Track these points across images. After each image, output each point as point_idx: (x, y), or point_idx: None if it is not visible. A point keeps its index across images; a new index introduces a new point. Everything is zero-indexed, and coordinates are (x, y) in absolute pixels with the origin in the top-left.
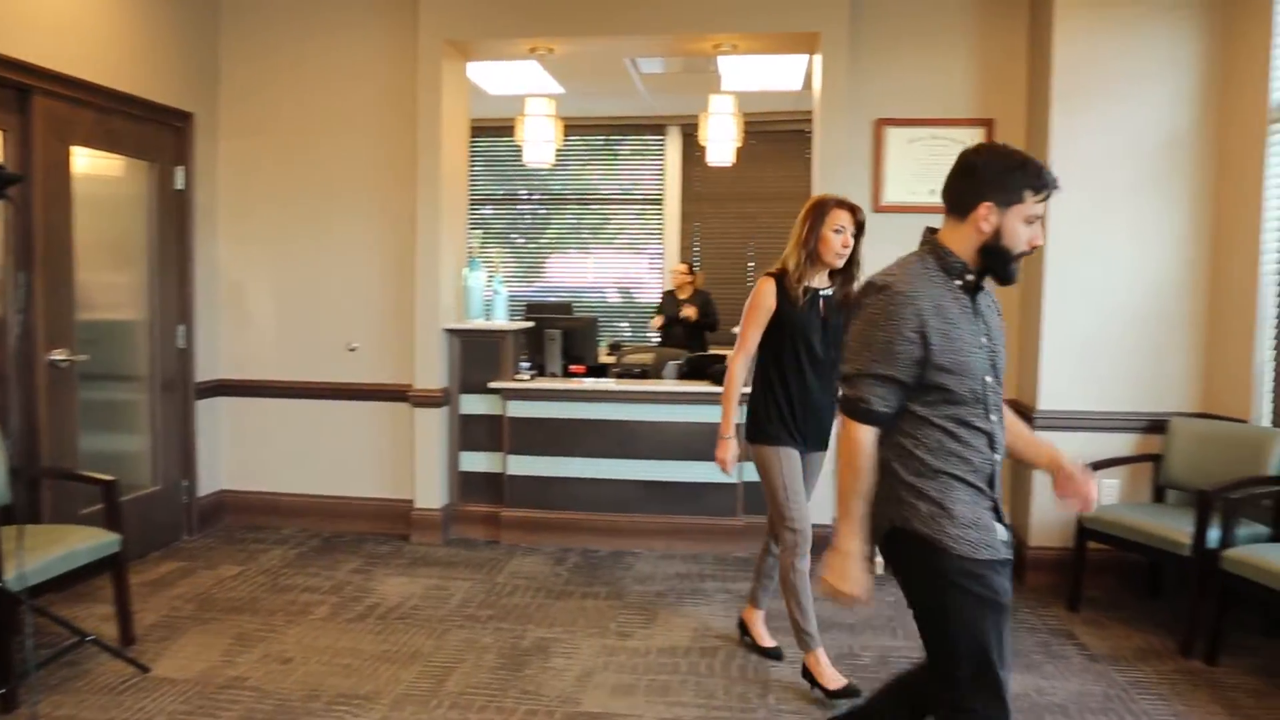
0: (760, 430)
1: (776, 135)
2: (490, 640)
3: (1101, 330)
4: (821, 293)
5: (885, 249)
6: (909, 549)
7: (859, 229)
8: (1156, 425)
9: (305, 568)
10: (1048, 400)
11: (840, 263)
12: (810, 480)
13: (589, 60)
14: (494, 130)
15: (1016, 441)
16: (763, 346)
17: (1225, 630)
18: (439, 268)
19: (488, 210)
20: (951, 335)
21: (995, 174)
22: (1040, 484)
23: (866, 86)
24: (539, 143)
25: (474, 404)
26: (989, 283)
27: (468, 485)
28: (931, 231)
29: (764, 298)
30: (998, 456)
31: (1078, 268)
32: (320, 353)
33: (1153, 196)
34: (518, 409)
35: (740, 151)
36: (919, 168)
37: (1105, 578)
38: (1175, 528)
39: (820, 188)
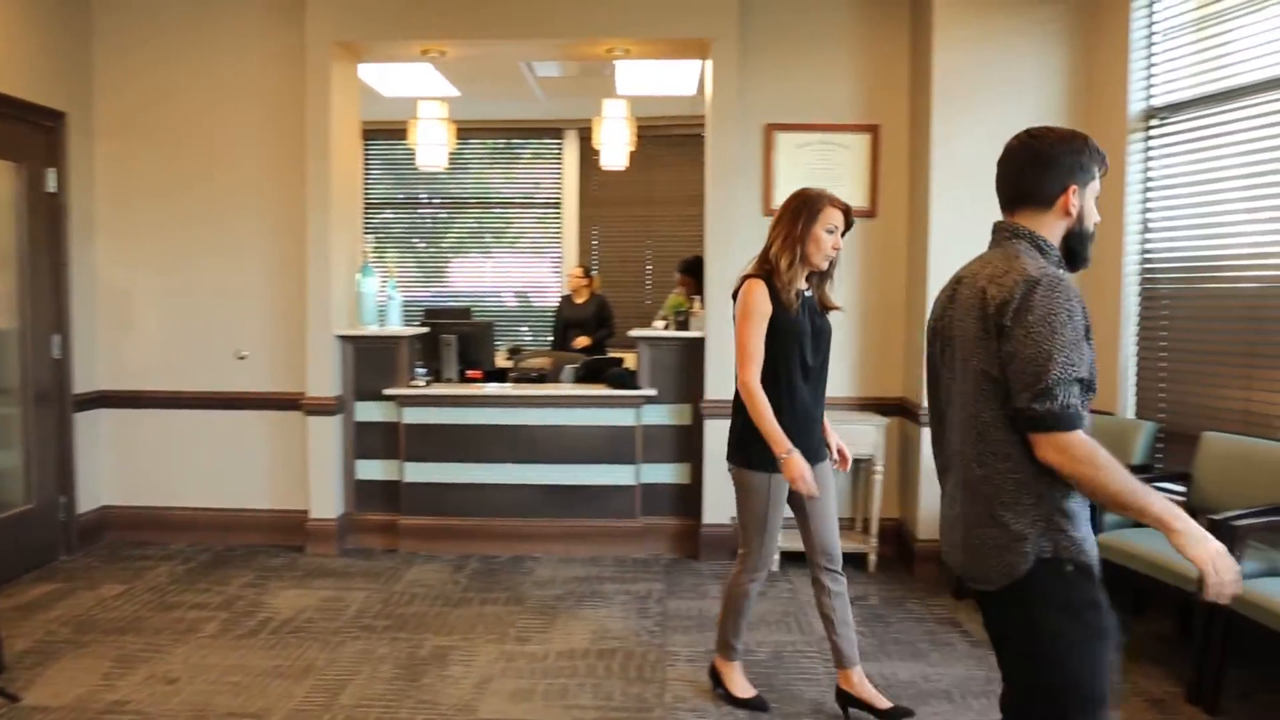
0: (748, 453)
1: (673, 139)
2: (386, 650)
3: None
4: (805, 295)
5: None
6: (1058, 582)
7: (847, 230)
8: None
9: (194, 584)
10: None
11: (825, 265)
12: (828, 495)
13: (483, 63)
14: (391, 133)
15: None
16: None
17: None
18: (330, 273)
19: (387, 214)
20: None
21: (1073, 156)
22: (926, 479)
23: (757, 92)
24: (432, 146)
25: (369, 411)
26: None
27: (364, 494)
28: (1008, 226)
29: (760, 301)
30: None
31: (958, 267)
32: (208, 361)
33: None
34: (414, 415)
35: (637, 155)
36: (809, 172)
37: None
38: None
39: (713, 192)
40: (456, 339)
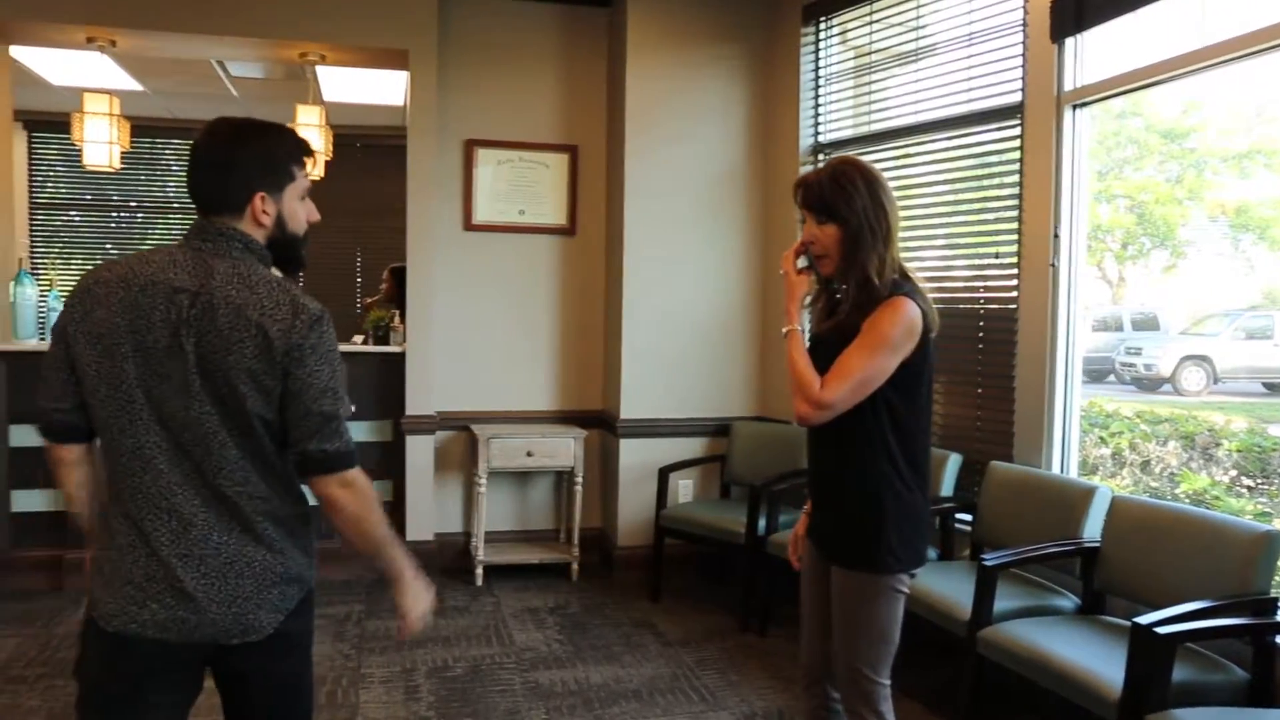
0: (902, 549)
1: (386, 149)
2: (38, 702)
3: (673, 343)
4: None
5: (476, 268)
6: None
7: (808, 210)
8: (722, 429)
9: None
10: (629, 409)
11: (822, 270)
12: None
13: (169, 58)
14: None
15: None
16: (889, 408)
17: (773, 606)
18: None
19: (73, 216)
20: None
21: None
22: (626, 486)
23: (457, 106)
24: (99, 144)
25: (29, 435)
26: None
27: (22, 528)
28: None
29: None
30: None
31: (651, 285)
32: None
33: (712, 222)
34: None
35: (349, 165)
36: (509, 189)
37: (685, 569)
38: (734, 519)
39: (414, 205)
40: None
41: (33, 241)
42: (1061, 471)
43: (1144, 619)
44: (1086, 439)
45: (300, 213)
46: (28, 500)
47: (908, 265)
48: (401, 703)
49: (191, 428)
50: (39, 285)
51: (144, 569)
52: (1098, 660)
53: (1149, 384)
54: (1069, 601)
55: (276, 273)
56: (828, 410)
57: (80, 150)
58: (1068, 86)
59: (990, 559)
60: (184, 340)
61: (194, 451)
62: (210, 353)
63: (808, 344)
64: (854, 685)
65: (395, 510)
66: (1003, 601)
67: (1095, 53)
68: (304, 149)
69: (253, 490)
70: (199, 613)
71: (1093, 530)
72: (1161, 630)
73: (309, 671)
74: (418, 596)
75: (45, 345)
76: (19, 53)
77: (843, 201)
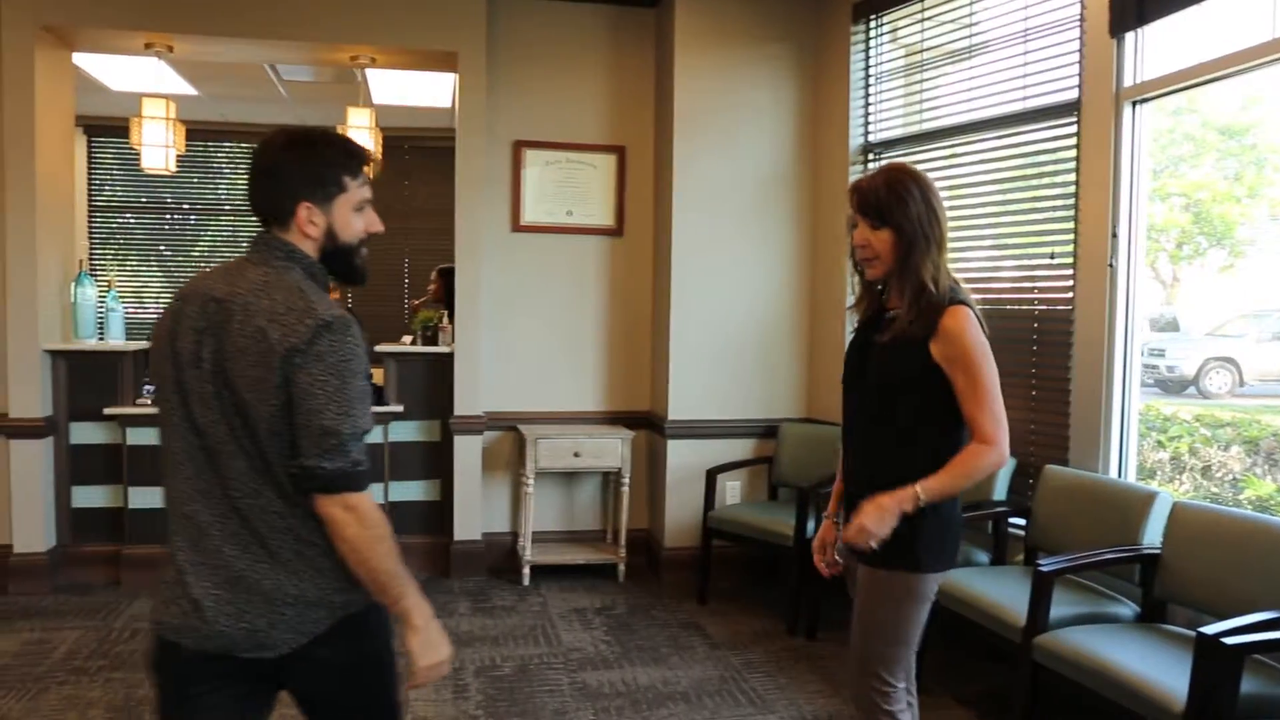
0: (932, 551)
1: (434, 151)
2: (98, 694)
3: (721, 344)
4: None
5: (523, 268)
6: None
7: (862, 215)
8: (770, 430)
9: None
10: (677, 410)
11: (865, 273)
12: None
13: (223, 62)
14: (126, 131)
15: None
16: (938, 416)
17: (822, 609)
18: (37, 281)
19: (129, 218)
20: None
21: (304, 166)
22: (673, 488)
23: (506, 108)
24: (156, 148)
25: (87, 433)
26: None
27: (81, 523)
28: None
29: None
30: None
31: (699, 285)
32: None
33: (761, 221)
34: (140, 436)
35: (397, 166)
36: (557, 189)
37: (732, 571)
38: (782, 521)
39: (462, 205)
40: None
41: (92, 243)
42: (1119, 476)
43: (1210, 629)
44: (1144, 443)
45: (355, 223)
46: (88, 496)
47: (954, 267)
48: (450, 701)
49: (207, 435)
50: (98, 286)
51: (174, 571)
52: (1160, 670)
53: (1172, 386)
54: (1128, 609)
55: (300, 281)
56: (1003, 444)
57: (138, 154)
58: (1127, 82)
59: (1047, 565)
60: (203, 347)
61: (214, 460)
62: (223, 359)
63: (850, 338)
64: (865, 684)
65: (443, 510)
66: (1059, 608)
67: (1156, 47)
68: (358, 159)
69: (266, 504)
70: (207, 623)
71: (1153, 536)
72: (1229, 641)
73: (379, 700)
74: (429, 645)
75: (104, 345)
76: (80, 59)
77: (898, 208)
